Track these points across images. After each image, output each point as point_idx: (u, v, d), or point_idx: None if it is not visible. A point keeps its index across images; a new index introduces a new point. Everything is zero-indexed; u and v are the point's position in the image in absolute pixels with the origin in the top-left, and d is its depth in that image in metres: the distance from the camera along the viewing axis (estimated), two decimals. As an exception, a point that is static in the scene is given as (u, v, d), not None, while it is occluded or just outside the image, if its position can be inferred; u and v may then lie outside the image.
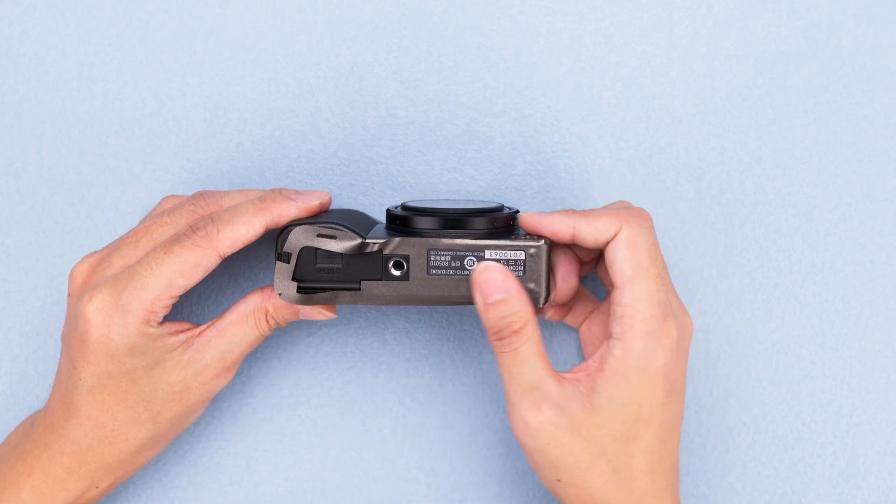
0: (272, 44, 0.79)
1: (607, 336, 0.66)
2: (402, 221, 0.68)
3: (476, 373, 0.79)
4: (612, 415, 0.64)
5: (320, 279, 0.68)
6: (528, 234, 0.69)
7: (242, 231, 0.68)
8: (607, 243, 0.67)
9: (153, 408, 0.69)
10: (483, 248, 0.67)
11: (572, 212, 0.68)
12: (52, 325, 0.79)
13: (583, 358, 0.77)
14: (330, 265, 0.67)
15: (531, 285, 0.68)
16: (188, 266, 0.67)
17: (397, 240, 0.67)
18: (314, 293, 0.68)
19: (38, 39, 0.79)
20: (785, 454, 0.79)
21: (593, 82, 0.79)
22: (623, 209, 0.68)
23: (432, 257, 0.67)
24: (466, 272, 0.67)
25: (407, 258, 0.67)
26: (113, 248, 0.70)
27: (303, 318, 0.71)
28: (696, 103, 0.79)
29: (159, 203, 0.74)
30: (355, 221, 0.71)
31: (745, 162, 0.79)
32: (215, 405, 0.79)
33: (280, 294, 0.68)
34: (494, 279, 0.66)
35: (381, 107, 0.79)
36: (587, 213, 0.67)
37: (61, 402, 0.70)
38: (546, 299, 0.68)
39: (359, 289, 0.67)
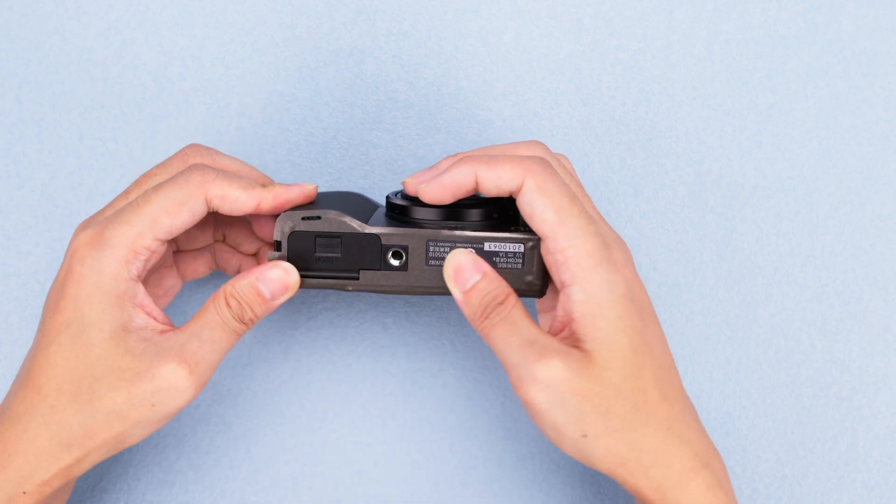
0: (272, 27, 0.78)
1: (561, 287, 0.64)
2: (401, 211, 0.68)
3: (476, 357, 0.79)
4: (609, 355, 0.62)
5: (319, 268, 0.67)
6: (527, 225, 0.68)
7: (236, 194, 0.66)
8: (511, 194, 0.64)
9: (97, 389, 0.63)
10: (482, 241, 0.67)
11: (468, 157, 0.65)
12: (52, 310, 0.79)
13: None
14: (329, 254, 0.67)
15: (529, 278, 0.67)
16: (174, 202, 0.65)
17: (396, 230, 0.67)
18: (312, 279, 0.68)
19: (39, 23, 0.78)
20: (785, 438, 0.79)
21: (593, 66, 0.79)
22: (525, 158, 0.64)
23: (431, 248, 0.66)
24: None
25: (406, 249, 0.67)
26: (108, 205, 0.69)
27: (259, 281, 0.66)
28: (696, 87, 0.79)
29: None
30: (354, 205, 0.70)
31: (744, 146, 0.79)
32: (216, 389, 0.79)
33: None
34: (467, 262, 0.65)
35: (381, 90, 0.78)
36: (487, 159, 0.64)
37: (17, 378, 0.67)
38: (543, 291, 0.68)
39: (357, 278, 0.67)
